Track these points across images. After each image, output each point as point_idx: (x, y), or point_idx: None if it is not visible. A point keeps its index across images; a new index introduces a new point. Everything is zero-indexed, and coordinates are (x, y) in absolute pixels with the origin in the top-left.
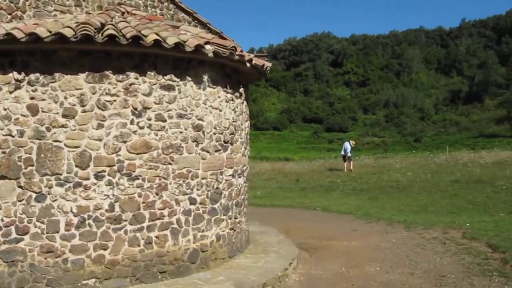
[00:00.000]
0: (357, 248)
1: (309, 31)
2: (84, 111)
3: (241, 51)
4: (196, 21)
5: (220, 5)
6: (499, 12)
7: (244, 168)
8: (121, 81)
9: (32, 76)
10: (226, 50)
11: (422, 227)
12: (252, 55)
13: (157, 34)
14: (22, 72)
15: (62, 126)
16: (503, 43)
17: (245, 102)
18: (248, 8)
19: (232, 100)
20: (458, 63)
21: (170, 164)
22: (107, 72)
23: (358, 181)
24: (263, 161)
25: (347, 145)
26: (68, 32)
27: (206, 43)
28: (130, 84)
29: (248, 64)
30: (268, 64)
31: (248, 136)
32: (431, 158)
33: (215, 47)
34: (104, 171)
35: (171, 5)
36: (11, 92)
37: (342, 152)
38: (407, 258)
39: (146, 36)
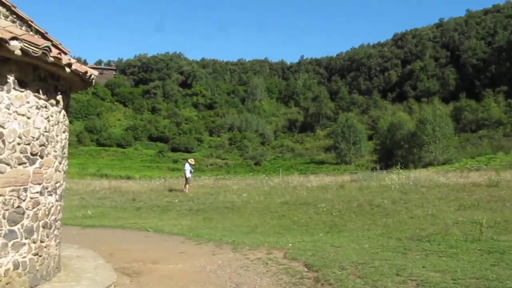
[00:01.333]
0: (181, 272)
1: (161, 50)
2: None
3: (59, 53)
4: (14, 16)
5: (72, 11)
6: (331, 54)
7: (58, 185)
8: None
9: None
10: (37, 49)
11: (249, 248)
12: (73, 60)
13: None
14: None
15: None
16: (333, 81)
17: (63, 112)
18: (100, 18)
19: (46, 107)
20: (296, 94)
21: None
22: None
23: (196, 201)
24: (103, 178)
25: (186, 166)
26: None
27: (13, 38)
28: None
29: (67, 69)
30: (93, 72)
31: (65, 150)
32: (266, 180)
33: (24, 44)
34: None
35: None
36: None
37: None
38: (230, 280)
39: None
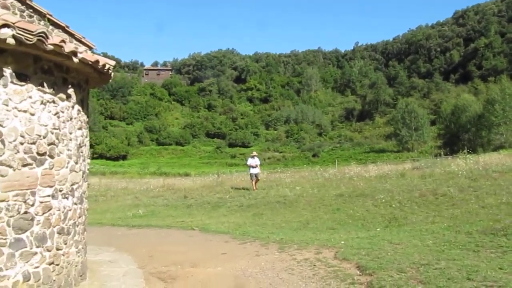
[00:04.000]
0: (219, 276)
1: (214, 48)
2: None
3: (63, 41)
4: (31, 10)
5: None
6: (387, 38)
7: (75, 186)
8: None
9: None
10: (32, 36)
11: (297, 247)
12: (80, 48)
13: None
14: None
15: None
16: (390, 66)
17: (77, 107)
18: (153, 21)
19: (54, 102)
20: (352, 82)
21: None
22: None
23: (247, 196)
24: (162, 176)
25: (249, 161)
26: None
27: (4, 26)
28: None
29: (74, 59)
30: (108, 62)
31: (84, 148)
32: (321, 172)
33: (17, 32)
34: None
35: None
36: None
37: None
38: (270, 286)
39: None
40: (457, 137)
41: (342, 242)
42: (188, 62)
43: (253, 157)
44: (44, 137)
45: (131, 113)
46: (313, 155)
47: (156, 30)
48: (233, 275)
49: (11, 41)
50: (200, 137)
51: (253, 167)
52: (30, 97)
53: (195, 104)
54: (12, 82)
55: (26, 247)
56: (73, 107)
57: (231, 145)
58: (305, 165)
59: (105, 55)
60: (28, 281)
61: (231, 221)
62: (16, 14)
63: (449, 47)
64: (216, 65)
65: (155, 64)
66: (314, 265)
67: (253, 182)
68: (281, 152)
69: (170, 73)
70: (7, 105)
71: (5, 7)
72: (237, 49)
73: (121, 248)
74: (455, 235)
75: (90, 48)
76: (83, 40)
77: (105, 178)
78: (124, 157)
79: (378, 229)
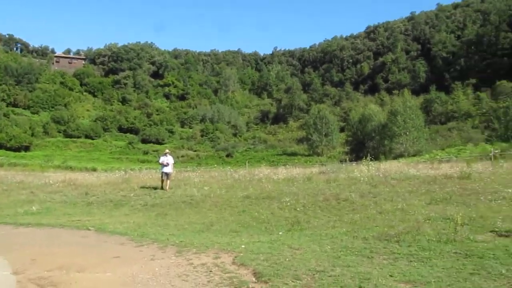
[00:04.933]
0: (106, 283)
1: (131, 40)
2: None
3: None
4: None
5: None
6: (304, 46)
7: None
8: None
9: None
10: None
11: (196, 250)
12: None
13: None
14: None
15: None
16: (306, 72)
17: None
18: (68, 6)
19: None
20: (269, 86)
21: None
22: None
23: (152, 195)
24: (67, 170)
25: (162, 158)
26: None
27: None
28: None
29: None
30: None
31: None
32: (231, 173)
33: None
34: None
35: None
36: None
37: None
38: None
39: None
40: (362, 144)
41: (243, 246)
42: (104, 52)
43: (166, 154)
44: None
45: (37, 101)
46: (227, 155)
47: (71, 16)
48: (121, 281)
49: None
50: (112, 131)
51: (165, 165)
52: None
53: (108, 96)
54: None
55: None
56: None
57: (144, 141)
58: (215, 165)
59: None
60: None
61: (131, 221)
62: None
63: (360, 59)
64: (133, 58)
65: (68, 52)
66: (211, 271)
67: (164, 182)
68: (195, 151)
69: (83, 62)
70: None
71: None
72: (156, 43)
73: (4, 250)
74: (353, 241)
75: None
76: None
77: (2, 170)
78: (26, 148)
79: (280, 233)
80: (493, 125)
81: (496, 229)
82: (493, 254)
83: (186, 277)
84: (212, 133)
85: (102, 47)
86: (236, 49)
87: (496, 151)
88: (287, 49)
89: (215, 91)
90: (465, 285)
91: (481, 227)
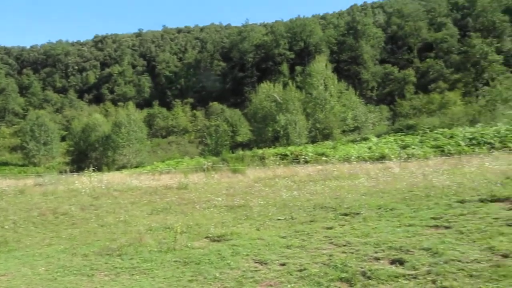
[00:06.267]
0: None
1: None
2: None
3: None
4: None
5: None
6: (24, 45)
7: None
8: None
9: None
10: None
11: None
12: None
13: None
14: None
15: None
16: (24, 74)
17: None
18: None
19: None
20: None
21: None
22: None
23: None
24: None
25: None
26: None
27: None
28: None
29: None
30: None
31: None
32: None
33: None
34: None
35: None
36: None
37: None
38: None
39: None
40: (85, 155)
41: None
42: None
43: None
44: None
45: None
46: None
47: None
48: None
49: None
50: None
51: None
52: None
53: None
54: None
55: None
56: None
57: None
58: None
59: None
60: None
61: None
62: None
63: (87, 68)
64: None
65: None
66: None
67: None
68: None
69: None
70: None
71: None
72: None
73: None
74: (71, 259)
75: None
76: None
77: None
78: None
79: None
80: (206, 140)
81: (210, 235)
82: (208, 259)
83: None
84: None
85: None
86: None
87: (209, 163)
88: (3, 45)
89: None
90: None
91: (197, 234)
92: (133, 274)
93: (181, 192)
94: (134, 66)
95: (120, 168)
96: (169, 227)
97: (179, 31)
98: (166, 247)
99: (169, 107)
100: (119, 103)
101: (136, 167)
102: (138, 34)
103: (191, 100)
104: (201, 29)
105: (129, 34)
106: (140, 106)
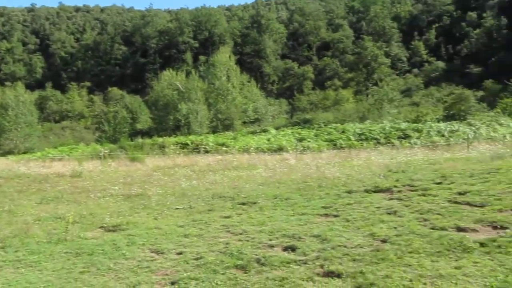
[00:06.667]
0: None
1: None
2: None
3: None
4: None
5: None
6: None
7: None
8: None
9: None
10: None
11: None
12: None
13: None
14: None
15: None
16: None
17: None
18: None
19: None
20: None
21: None
22: None
23: None
24: None
25: None
26: None
27: None
28: None
29: None
30: None
31: None
32: None
33: None
34: None
35: None
36: None
37: None
38: None
39: None
40: None
41: None
42: None
43: None
44: None
45: None
46: None
47: None
48: None
49: None
50: None
51: None
52: None
53: None
54: None
55: None
56: None
57: None
58: None
59: None
60: None
61: None
62: None
63: None
64: None
65: None
66: None
67: None
68: None
69: None
70: None
71: None
72: None
73: None
74: None
75: None
76: None
77: None
78: None
79: None
80: (103, 127)
81: (105, 225)
82: (102, 250)
83: None
84: None
85: None
86: None
87: (106, 151)
88: None
89: None
90: (75, 285)
91: (91, 224)
92: (18, 268)
93: (74, 180)
94: (25, 44)
95: (6, 153)
96: (60, 217)
97: (77, 9)
98: (56, 238)
99: (63, 90)
100: (7, 83)
101: (25, 153)
102: (31, 9)
103: (88, 83)
104: (102, 10)
105: (20, 8)
106: (31, 87)
